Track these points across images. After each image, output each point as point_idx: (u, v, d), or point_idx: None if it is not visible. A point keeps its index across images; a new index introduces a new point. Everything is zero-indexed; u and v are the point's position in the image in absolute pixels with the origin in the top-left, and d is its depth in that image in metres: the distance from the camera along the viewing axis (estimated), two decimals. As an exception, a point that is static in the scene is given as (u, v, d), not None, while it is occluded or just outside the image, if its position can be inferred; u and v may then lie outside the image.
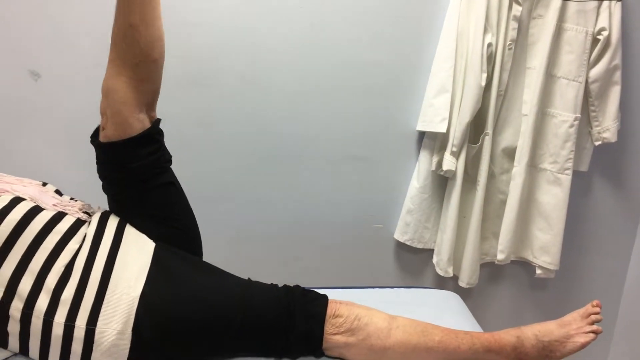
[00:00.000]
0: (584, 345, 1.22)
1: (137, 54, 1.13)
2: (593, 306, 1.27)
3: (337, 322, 1.16)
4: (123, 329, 1.06)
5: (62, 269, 1.09)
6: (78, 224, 1.16)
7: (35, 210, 1.13)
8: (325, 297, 1.19)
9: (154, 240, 1.20)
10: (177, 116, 1.62)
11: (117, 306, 1.07)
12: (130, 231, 1.22)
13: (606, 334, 1.98)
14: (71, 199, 1.31)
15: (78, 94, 1.57)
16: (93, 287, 1.08)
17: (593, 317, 1.25)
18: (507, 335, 1.24)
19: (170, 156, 1.27)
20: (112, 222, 1.21)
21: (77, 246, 1.12)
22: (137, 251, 1.17)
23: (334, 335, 1.15)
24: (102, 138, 1.17)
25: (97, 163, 1.21)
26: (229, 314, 1.12)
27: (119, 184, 1.20)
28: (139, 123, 1.18)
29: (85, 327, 1.06)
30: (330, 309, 1.16)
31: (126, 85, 1.14)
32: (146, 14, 1.13)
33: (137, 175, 1.19)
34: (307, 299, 1.17)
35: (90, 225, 1.18)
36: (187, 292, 1.12)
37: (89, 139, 1.22)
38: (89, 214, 1.22)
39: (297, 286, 1.21)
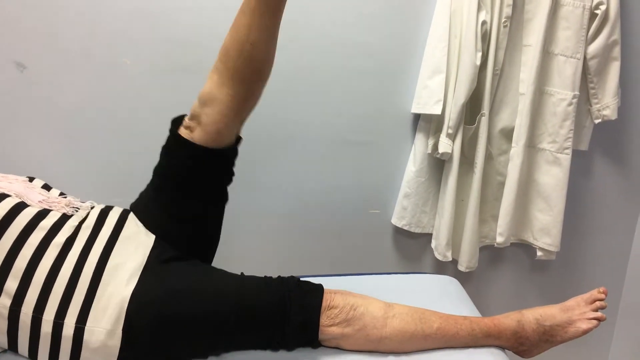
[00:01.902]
0: (586, 332, 1.20)
1: (251, 72, 1.14)
2: (599, 292, 1.24)
3: (332, 313, 1.14)
4: (113, 328, 1.05)
5: (50, 264, 1.07)
6: (64, 219, 1.14)
7: (20, 207, 1.12)
8: (320, 289, 1.17)
9: (158, 233, 1.19)
10: (166, 103, 1.58)
11: (108, 305, 1.05)
12: (129, 226, 1.20)
13: (610, 316, 1.96)
14: (60, 194, 1.29)
15: (66, 85, 1.54)
16: (84, 284, 1.07)
17: (598, 303, 1.22)
18: (508, 320, 1.22)
19: (233, 174, 1.27)
20: (112, 218, 1.20)
21: (64, 239, 1.10)
22: (134, 249, 1.15)
23: (329, 326, 1.13)
24: (184, 135, 1.17)
25: (166, 149, 1.21)
26: (223, 310, 1.10)
27: (174, 179, 1.19)
28: (229, 138, 1.19)
29: (74, 325, 1.04)
30: (326, 300, 1.14)
31: (230, 99, 1.14)
32: (267, 33, 1.13)
33: (199, 184, 1.20)
34: (302, 290, 1.15)
35: (87, 220, 1.16)
36: (180, 291, 1.10)
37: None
38: (77, 209, 1.20)
39: (292, 277, 1.19)
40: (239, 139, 1.25)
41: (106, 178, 1.62)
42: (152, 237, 1.21)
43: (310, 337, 1.14)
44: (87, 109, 1.56)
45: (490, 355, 1.16)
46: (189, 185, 1.20)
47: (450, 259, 1.70)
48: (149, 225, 1.20)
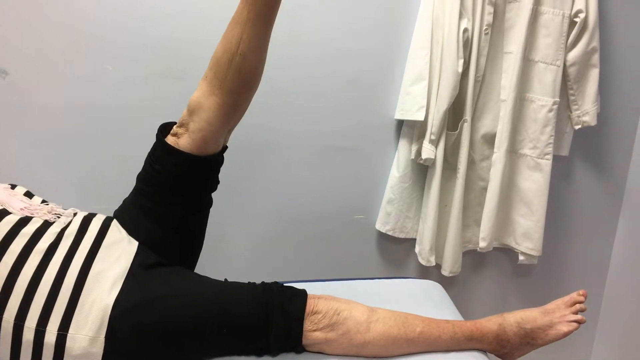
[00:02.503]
0: (566, 334, 1.22)
1: (240, 82, 1.15)
2: (579, 295, 1.26)
3: (315, 318, 1.14)
4: (96, 335, 1.04)
5: (33, 271, 1.06)
6: (46, 226, 1.14)
7: (2, 214, 1.11)
8: (303, 294, 1.17)
9: (141, 239, 1.19)
10: (149, 110, 1.59)
11: (90, 312, 1.05)
12: (112, 234, 1.19)
13: (591, 318, 1.98)
14: (42, 201, 1.28)
15: (49, 91, 1.54)
16: (66, 291, 1.06)
17: (577, 306, 1.24)
18: (489, 323, 1.23)
19: (218, 182, 1.28)
20: (95, 225, 1.19)
21: (47, 245, 1.10)
22: (117, 256, 1.14)
23: (313, 332, 1.13)
24: (171, 142, 1.17)
25: (152, 155, 1.22)
26: (206, 316, 1.10)
27: (158, 185, 1.20)
28: (215, 146, 1.20)
29: (56, 332, 1.03)
30: (309, 306, 1.14)
31: (218, 108, 1.15)
32: (257, 45, 1.14)
33: (183, 191, 1.20)
34: (286, 296, 1.15)
35: (69, 227, 1.16)
36: (163, 298, 1.10)
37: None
38: (59, 215, 1.19)
39: (275, 283, 1.19)
40: (224, 148, 1.25)
41: (89, 185, 1.62)
42: (135, 243, 1.21)
43: (293, 342, 1.14)
44: (70, 115, 1.56)
45: (472, 358, 1.17)
46: (172, 191, 1.20)
47: (434, 264, 1.71)
48: (132, 231, 1.20)
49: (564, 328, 1.21)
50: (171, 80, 1.57)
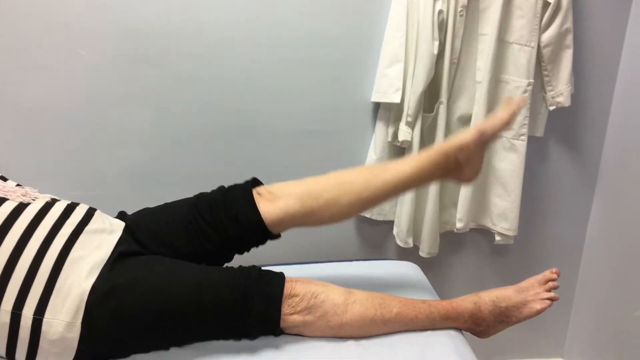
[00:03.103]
0: (540, 312, 1.24)
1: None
2: (552, 273, 1.28)
3: (293, 301, 1.15)
4: (72, 320, 1.04)
5: (9, 253, 1.05)
6: (20, 208, 1.13)
7: None
8: (281, 278, 1.18)
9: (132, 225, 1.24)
10: (125, 94, 1.58)
11: (67, 297, 1.05)
12: (95, 222, 1.19)
13: (567, 297, 2.02)
14: (17, 185, 1.27)
15: (22, 79, 1.52)
16: (43, 275, 1.06)
17: (550, 284, 1.26)
18: (465, 302, 1.25)
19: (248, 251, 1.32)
20: (78, 212, 1.19)
21: (24, 227, 1.09)
22: (97, 244, 1.14)
23: (291, 315, 1.15)
24: (256, 198, 1.22)
25: (231, 202, 1.23)
26: (184, 300, 1.10)
27: (219, 227, 1.23)
28: (285, 228, 1.27)
29: (32, 316, 1.03)
30: (287, 289, 1.15)
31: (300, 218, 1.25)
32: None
33: (231, 241, 1.25)
34: (263, 280, 1.16)
35: (51, 211, 1.15)
36: (140, 285, 1.10)
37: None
38: (34, 199, 1.18)
39: (254, 267, 1.20)
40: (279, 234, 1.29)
41: (66, 171, 1.60)
42: (118, 233, 1.21)
43: (272, 326, 1.15)
44: (44, 102, 1.54)
45: (448, 337, 1.19)
46: (225, 237, 1.23)
47: (412, 245, 1.73)
48: (159, 229, 1.25)
49: (538, 306, 1.24)
50: (145, 64, 1.55)
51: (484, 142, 1.26)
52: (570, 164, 1.86)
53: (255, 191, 1.25)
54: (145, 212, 1.31)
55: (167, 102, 1.60)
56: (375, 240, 1.84)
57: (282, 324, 1.15)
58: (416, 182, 1.27)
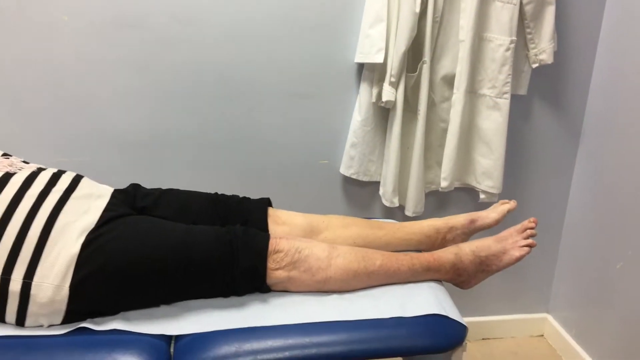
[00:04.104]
0: (519, 259, 1.27)
1: None
2: (529, 222, 1.31)
3: (278, 257, 1.17)
4: (60, 283, 1.06)
5: None
6: (7, 177, 1.14)
7: None
8: (266, 234, 1.20)
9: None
10: (107, 59, 1.57)
11: (56, 261, 1.06)
12: (83, 188, 1.20)
13: (551, 253, 2.06)
14: (3, 154, 1.27)
15: (4, 46, 1.51)
16: (32, 240, 1.07)
17: (528, 231, 1.30)
18: (446, 253, 1.28)
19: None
20: (65, 179, 1.20)
21: (12, 195, 1.10)
22: (85, 209, 1.16)
23: (276, 270, 1.17)
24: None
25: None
26: (171, 255, 1.12)
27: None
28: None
29: (21, 280, 1.05)
30: (271, 245, 1.18)
31: None
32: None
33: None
34: (249, 236, 1.18)
35: (38, 178, 1.16)
36: (127, 244, 1.12)
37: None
38: (20, 169, 1.19)
39: (239, 225, 1.22)
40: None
41: (50, 137, 1.61)
42: (106, 199, 1.22)
43: (258, 282, 1.17)
44: (27, 69, 1.54)
45: (428, 289, 1.22)
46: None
47: (397, 205, 1.75)
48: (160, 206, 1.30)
49: (516, 253, 1.27)
50: (127, 28, 1.55)
51: (473, 230, 1.41)
52: (553, 121, 1.88)
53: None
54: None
55: (150, 65, 1.60)
56: (362, 201, 1.86)
57: (268, 280, 1.17)
58: (404, 247, 1.38)
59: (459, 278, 1.29)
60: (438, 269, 1.26)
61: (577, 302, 1.97)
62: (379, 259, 1.22)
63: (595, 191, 1.85)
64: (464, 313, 2.07)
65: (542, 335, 2.16)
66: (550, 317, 2.13)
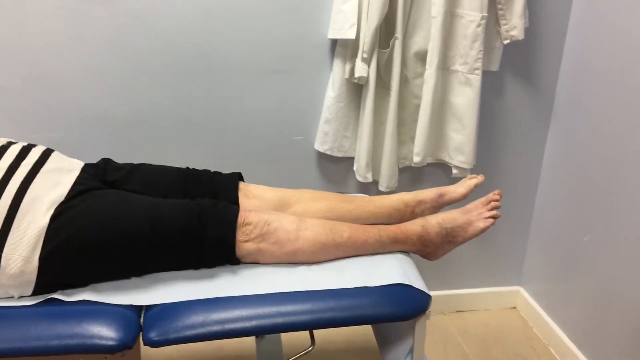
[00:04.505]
0: (483, 230, 1.31)
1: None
2: (494, 194, 1.35)
3: (247, 229, 1.20)
4: (30, 255, 1.08)
5: None
6: None
7: None
8: (235, 207, 1.22)
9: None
10: (80, 36, 1.57)
11: (25, 233, 1.08)
12: (52, 162, 1.21)
13: (524, 226, 2.10)
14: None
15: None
16: (1, 213, 1.09)
17: (493, 203, 1.33)
18: (413, 226, 1.31)
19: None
20: (34, 153, 1.21)
21: None
22: (54, 183, 1.17)
23: (245, 242, 1.19)
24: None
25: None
26: (139, 227, 1.14)
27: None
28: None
29: None
30: (240, 217, 1.20)
31: None
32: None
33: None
34: (217, 209, 1.20)
35: (7, 152, 1.18)
36: (95, 217, 1.13)
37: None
38: None
39: (208, 198, 1.24)
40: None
41: (22, 114, 1.61)
42: (76, 173, 1.24)
43: (227, 253, 1.20)
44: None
45: (394, 259, 1.25)
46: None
47: (371, 180, 1.78)
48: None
49: (481, 224, 1.30)
50: (101, 4, 1.55)
51: (441, 204, 1.43)
52: (525, 97, 1.90)
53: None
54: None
55: (124, 42, 1.60)
56: (337, 177, 1.89)
57: (237, 253, 1.20)
58: (373, 220, 1.40)
59: (426, 249, 1.33)
60: (405, 241, 1.29)
61: (548, 274, 2.02)
62: (346, 231, 1.25)
63: (567, 166, 1.88)
64: (438, 286, 2.13)
65: (515, 308, 2.21)
66: (522, 290, 2.18)
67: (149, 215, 1.15)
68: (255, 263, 1.24)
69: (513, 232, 2.10)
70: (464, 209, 1.34)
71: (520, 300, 2.19)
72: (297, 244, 1.21)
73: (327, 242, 1.23)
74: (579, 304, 1.84)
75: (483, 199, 1.34)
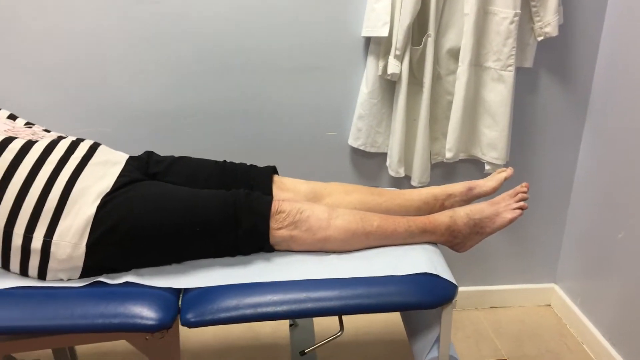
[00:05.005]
0: (511, 221, 1.32)
1: None
2: (522, 187, 1.36)
3: (280, 217, 1.24)
4: (78, 242, 1.15)
5: (20, 184, 1.16)
6: (29, 144, 1.23)
7: None
8: (269, 196, 1.28)
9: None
10: (128, 36, 1.65)
11: (74, 221, 1.16)
12: (99, 155, 1.29)
13: (559, 224, 2.09)
14: (26, 124, 1.36)
15: (28, 20, 1.60)
16: (52, 202, 1.17)
17: (520, 195, 1.34)
18: (442, 217, 1.33)
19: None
20: (83, 146, 1.29)
21: (34, 160, 1.19)
22: (101, 175, 1.25)
23: (278, 230, 1.24)
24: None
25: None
26: (178, 218, 1.20)
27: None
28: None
29: (42, 238, 1.15)
30: (274, 206, 1.25)
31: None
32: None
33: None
34: (252, 197, 1.26)
35: (58, 146, 1.25)
36: (140, 206, 1.20)
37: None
38: (42, 138, 1.28)
39: (242, 189, 1.29)
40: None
41: (74, 110, 1.70)
42: (121, 166, 1.31)
43: (261, 241, 1.24)
44: (50, 42, 1.63)
45: (422, 250, 1.28)
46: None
47: (403, 175, 1.81)
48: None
49: (509, 215, 1.32)
50: (145, 4, 1.63)
51: (470, 198, 1.45)
52: (560, 93, 1.90)
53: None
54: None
55: (166, 40, 1.68)
56: (370, 171, 1.92)
57: (271, 240, 1.25)
58: (403, 213, 1.43)
59: (455, 240, 1.35)
60: (434, 231, 1.31)
61: (582, 272, 2.01)
62: (376, 221, 1.28)
63: (602, 163, 1.87)
64: (472, 282, 2.14)
65: (549, 305, 2.20)
66: (557, 287, 2.17)
67: (187, 206, 1.21)
68: (288, 250, 1.29)
69: (548, 229, 2.09)
70: (491, 201, 1.36)
71: (554, 298, 2.18)
72: (329, 231, 1.25)
73: (357, 230, 1.26)
74: (613, 301, 1.83)
75: (511, 192, 1.36)
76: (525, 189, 1.35)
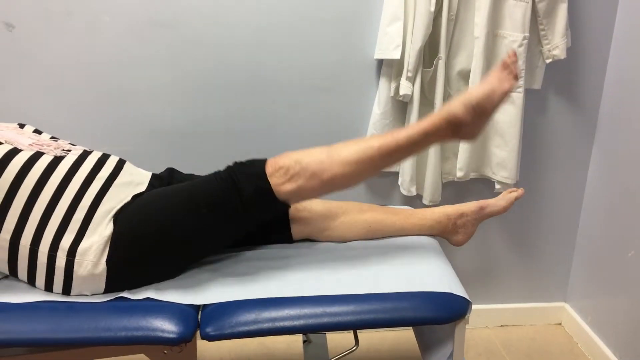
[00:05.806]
0: (509, 90, 1.25)
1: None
2: (508, 57, 1.28)
3: (281, 172, 1.22)
4: (98, 260, 1.19)
5: (47, 202, 1.20)
6: (56, 162, 1.26)
7: (13, 152, 1.22)
8: (261, 159, 1.27)
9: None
10: (144, 56, 1.71)
11: (94, 242, 1.20)
12: (124, 175, 1.33)
13: (569, 243, 2.11)
14: (51, 137, 1.40)
15: (51, 43, 1.66)
16: (77, 222, 1.21)
17: (509, 66, 1.27)
18: (437, 116, 1.27)
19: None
20: (109, 165, 1.33)
21: (59, 180, 1.22)
22: (125, 195, 1.29)
23: (283, 184, 1.22)
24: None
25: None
26: (182, 208, 1.23)
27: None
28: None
29: (65, 257, 1.19)
30: (270, 165, 1.24)
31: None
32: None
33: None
34: (245, 165, 1.27)
35: (85, 163, 1.29)
36: (145, 206, 1.25)
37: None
38: (68, 152, 1.31)
39: (234, 162, 1.30)
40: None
41: (95, 128, 1.75)
42: (144, 186, 1.35)
43: (269, 198, 1.23)
44: (73, 63, 1.69)
45: (437, 268, 1.31)
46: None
47: (415, 194, 1.84)
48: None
49: (506, 85, 1.25)
50: (164, 27, 1.68)
51: (482, 217, 1.51)
52: (569, 114, 1.94)
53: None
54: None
55: (183, 61, 1.73)
56: (382, 190, 1.96)
57: (281, 196, 1.23)
58: (417, 231, 1.49)
59: (461, 131, 1.27)
60: (435, 131, 1.25)
61: (593, 290, 2.03)
62: (376, 142, 1.23)
63: (611, 182, 1.90)
64: (483, 300, 2.16)
65: (560, 324, 2.21)
66: (567, 306, 2.18)
67: (186, 196, 1.24)
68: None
69: (558, 248, 2.11)
70: (482, 81, 1.29)
71: (565, 316, 2.19)
72: (333, 168, 1.22)
73: (359, 158, 1.23)
74: (624, 320, 1.84)
75: (498, 66, 1.29)
76: (513, 58, 1.27)
